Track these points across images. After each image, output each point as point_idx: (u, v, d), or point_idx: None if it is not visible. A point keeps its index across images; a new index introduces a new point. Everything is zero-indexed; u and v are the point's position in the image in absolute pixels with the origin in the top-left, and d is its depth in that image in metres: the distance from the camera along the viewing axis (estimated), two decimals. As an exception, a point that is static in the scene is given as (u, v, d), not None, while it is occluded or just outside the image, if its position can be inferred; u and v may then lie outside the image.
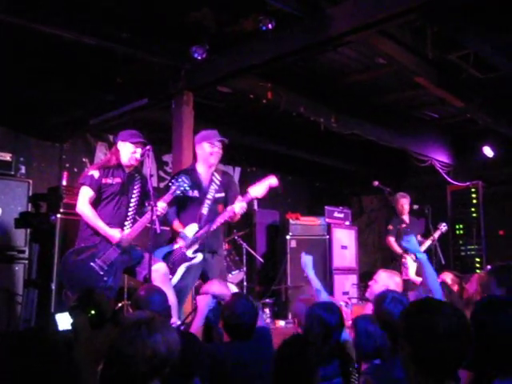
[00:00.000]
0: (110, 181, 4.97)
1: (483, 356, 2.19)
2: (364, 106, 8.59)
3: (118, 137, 5.17)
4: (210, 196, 5.37)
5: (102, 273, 4.81)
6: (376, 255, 10.70)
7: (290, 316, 8.31)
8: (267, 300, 8.58)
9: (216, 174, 5.50)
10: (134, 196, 5.08)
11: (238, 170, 10.91)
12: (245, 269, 8.30)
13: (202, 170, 5.47)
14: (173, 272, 5.17)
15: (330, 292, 8.94)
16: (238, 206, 5.21)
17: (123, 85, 7.14)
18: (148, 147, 4.92)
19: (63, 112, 7.99)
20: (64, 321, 2.54)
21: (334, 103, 8.08)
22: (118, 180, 5.00)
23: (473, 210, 9.62)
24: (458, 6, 5.28)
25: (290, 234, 9.40)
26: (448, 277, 5.99)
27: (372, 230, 11.46)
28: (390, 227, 8.36)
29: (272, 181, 5.28)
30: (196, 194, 5.23)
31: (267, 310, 8.24)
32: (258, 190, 5.23)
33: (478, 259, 9.40)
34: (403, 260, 7.87)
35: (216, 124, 8.67)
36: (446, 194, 9.90)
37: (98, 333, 3.07)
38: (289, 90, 7.38)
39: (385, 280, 5.09)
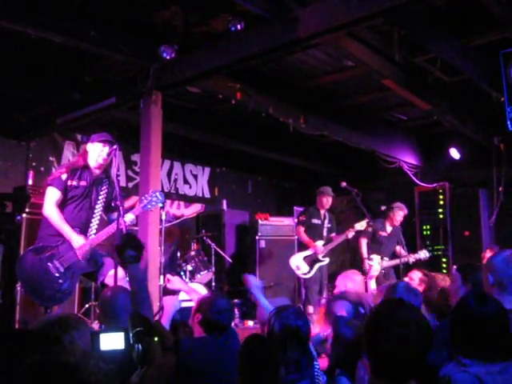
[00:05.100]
0: (75, 183, 4.96)
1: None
2: (332, 108, 8.65)
3: (89, 139, 5.18)
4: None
5: (57, 274, 4.79)
6: (344, 256, 10.76)
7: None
8: (236, 300, 8.59)
9: None
10: (99, 200, 5.06)
11: (207, 170, 10.90)
12: (213, 269, 8.29)
13: None
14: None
15: (298, 293, 8.99)
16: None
17: (91, 83, 7.08)
18: (115, 146, 4.89)
19: (29, 110, 7.90)
20: (107, 341, 2.54)
21: (303, 104, 8.12)
22: (83, 183, 4.99)
23: (440, 211, 9.76)
24: (420, 12, 5.37)
25: (259, 234, 9.43)
26: (416, 275, 6.06)
27: (340, 231, 11.51)
28: (369, 229, 8.36)
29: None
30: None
31: (236, 311, 8.25)
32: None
33: (444, 259, 9.54)
34: (369, 262, 7.95)
35: (186, 124, 8.71)
36: (413, 195, 10.02)
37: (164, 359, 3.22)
38: (258, 90, 7.39)
39: (341, 281, 5.16)
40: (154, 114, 6.46)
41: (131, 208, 5.25)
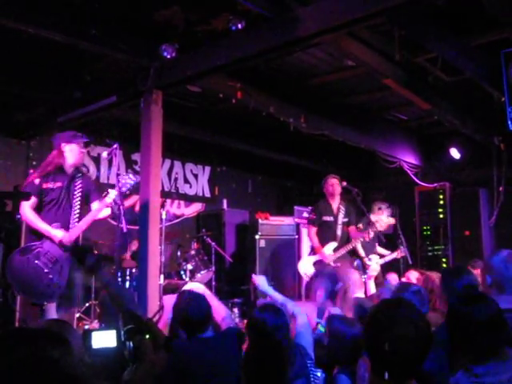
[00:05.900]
0: (50, 185, 5.04)
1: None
2: (333, 107, 8.64)
3: (57, 139, 5.24)
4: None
5: (46, 270, 4.84)
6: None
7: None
8: (236, 300, 8.59)
9: None
10: (75, 196, 5.11)
11: (207, 169, 10.90)
12: (213, 268, 8.29)
13: None
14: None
15: (299, 292, 8.99)
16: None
17: (91, 82, 7.07)
18: (115, 146, 4.93)
19: (29, 109, 7.90)
20: (99, 339, 2.54)
21: (303, 104, 8.11)
22: (58, 184, 5.06)
23: (440, 210, 9.76)
24: (421, 11, 5.37)
25: (260, 233, 9.43)
26: (413, 275, 6.08)
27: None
28: (361, 226, 8.11)
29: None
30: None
31: (236, 310, 8.25)
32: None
33: (444, 259, 9.54)
34: (368, 262, 7.91)
35: (186, 123, 8.70)
36: (413, 194, 10.02)
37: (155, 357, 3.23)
38: (258, 89, 7.39)
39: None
40: (155, 113, 6.45)
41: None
